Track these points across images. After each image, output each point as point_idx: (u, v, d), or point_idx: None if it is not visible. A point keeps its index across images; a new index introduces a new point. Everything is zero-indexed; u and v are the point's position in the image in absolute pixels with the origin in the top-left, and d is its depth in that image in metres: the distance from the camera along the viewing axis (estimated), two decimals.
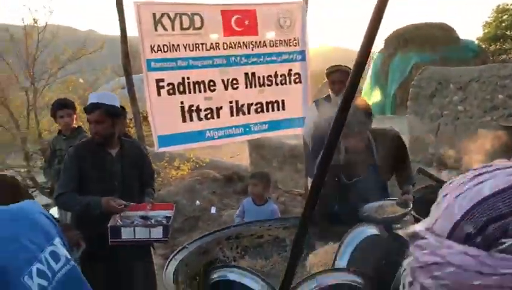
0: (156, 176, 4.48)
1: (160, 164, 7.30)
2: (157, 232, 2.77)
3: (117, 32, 4.99)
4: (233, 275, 1.95)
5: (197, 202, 5.17)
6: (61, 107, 4.52)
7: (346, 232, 2.15)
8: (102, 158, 3.09)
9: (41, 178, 6.64)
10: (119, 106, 3.23)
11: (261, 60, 5.48)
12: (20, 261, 1.74)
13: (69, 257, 1.93)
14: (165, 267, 2.43)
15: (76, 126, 4.63)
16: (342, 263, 2.08)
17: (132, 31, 5.02)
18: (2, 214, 1.83)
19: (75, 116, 4.62)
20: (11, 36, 7.48)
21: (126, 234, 2.75)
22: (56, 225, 1.99)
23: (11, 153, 7.83)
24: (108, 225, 2.80)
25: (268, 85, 5.56)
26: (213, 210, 5.16)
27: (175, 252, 2.62)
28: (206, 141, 5.32)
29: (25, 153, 7.55)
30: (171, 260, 2.53)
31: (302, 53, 5.78)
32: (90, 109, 3.04)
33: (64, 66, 7.95)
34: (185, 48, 5.03)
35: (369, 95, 14.68)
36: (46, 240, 1.87)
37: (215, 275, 2.01)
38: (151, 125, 4.99)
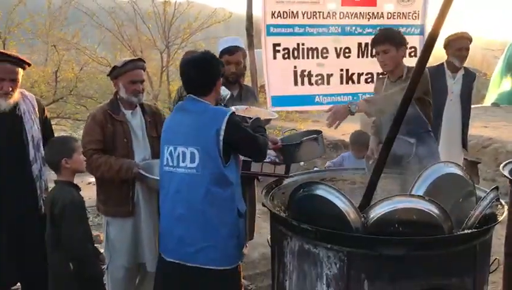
0: None
1: (272, 131, 7.77)
2: (280, 169, 3.16)
3: (244, 11, 5.45)
4: (319, 191, 2.25)
5: (301, 162, 5.49)
6: None
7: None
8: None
9: None
10: None
11: (376, 31, 5.56)
12: (168, 136, 2.60)
13: (190, 165, 2.48)
14: (263, 189, 2.81)
15: None
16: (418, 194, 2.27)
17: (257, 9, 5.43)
18: None
19: None
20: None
21: (255, 167, 3.19)
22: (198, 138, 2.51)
23: None
24: (242, 158, 3.24)
25: None
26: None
27: (274, 181, 3.00)
28: (314, 105, 5.61)
29: None
30: (269, 186, 2.92)
31: (421, 27, 5.76)
32: (233, 50, 3.54)
33: (195, 33, 8.73)
34: (303, 15, 5.33)
35: (498, 83, 13.66)
36: (185, 141, 2.51)
37: (302, 190, 2.33)
38: (265, 86, 5.42)
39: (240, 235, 2.64)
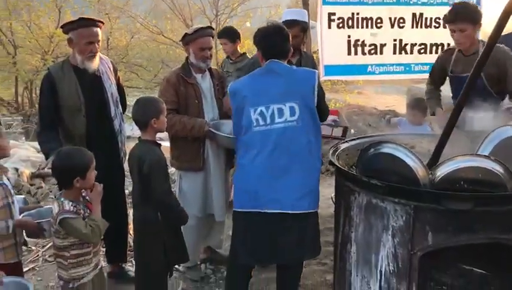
0: None
1: None
2: (337, 131, 3.34)
3: None
4: (387, 149, 2.42)
5: (352, 130, 5.64)
6: (220, 36, 5.08)
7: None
8: None
9: None
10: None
11: (432, 1, 5.58)
12: (254, 99, 2.70)
13: (290, 118, 2.72)
14: (330, 150, 3.00)
15: (242, 52, 5.05)
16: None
17: None
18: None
19: (237, 44, 4.99)
20: None
21: None
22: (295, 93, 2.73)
23: None
24: None
25: (436, 27, 5.65)
26: None
27: (337, 143, 3.18)
28: (367, 74, 5.70)
29: None
30: (334, 148, 3.10)
31: None
32: (290, 24, 3.67)
33: (244, 2, 8.84)
34: None
35: None
36: (280, 98, 2.71)
37: (371, 149, 2.50)
38: (319, 55, 5.54)
39: None
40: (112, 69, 3.40)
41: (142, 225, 2.78)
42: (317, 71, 2.83)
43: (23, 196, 3.84)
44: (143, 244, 2.80)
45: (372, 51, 5.59)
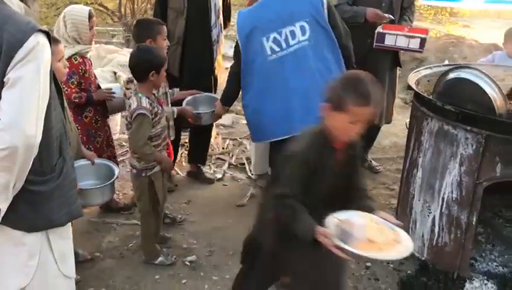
0: None
1: None
2: (414, 43, 3.19)
3: None
4: (467, 74, 2.33)
5: (446, 61, 5.33)
6: None
7: None
8: None
9: None
10: None
11: None
12: (265, 27, 2.58)
13: (302, 38, 2.62)
14: (411, 74, 2.93)
15: None
16: None
17: None
18: None
19: None
20: None
21: (389, 40, 3.27)
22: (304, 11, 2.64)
23: None
24: (376, 31, 3.36)
25: None
26: None
27: (420, 68, 3.09)
28: (469, 3, 5.29)
29: None
30: (415, 72, 3.03)
31: None
32: None
33: None
34: None
35: None
36: (290, 20, 2.61)
37: (451, 74, 2.42)
38: None
39: None
40: None
41: None
42: None
43: (119, 85, 4.22)
44: None
45: None
